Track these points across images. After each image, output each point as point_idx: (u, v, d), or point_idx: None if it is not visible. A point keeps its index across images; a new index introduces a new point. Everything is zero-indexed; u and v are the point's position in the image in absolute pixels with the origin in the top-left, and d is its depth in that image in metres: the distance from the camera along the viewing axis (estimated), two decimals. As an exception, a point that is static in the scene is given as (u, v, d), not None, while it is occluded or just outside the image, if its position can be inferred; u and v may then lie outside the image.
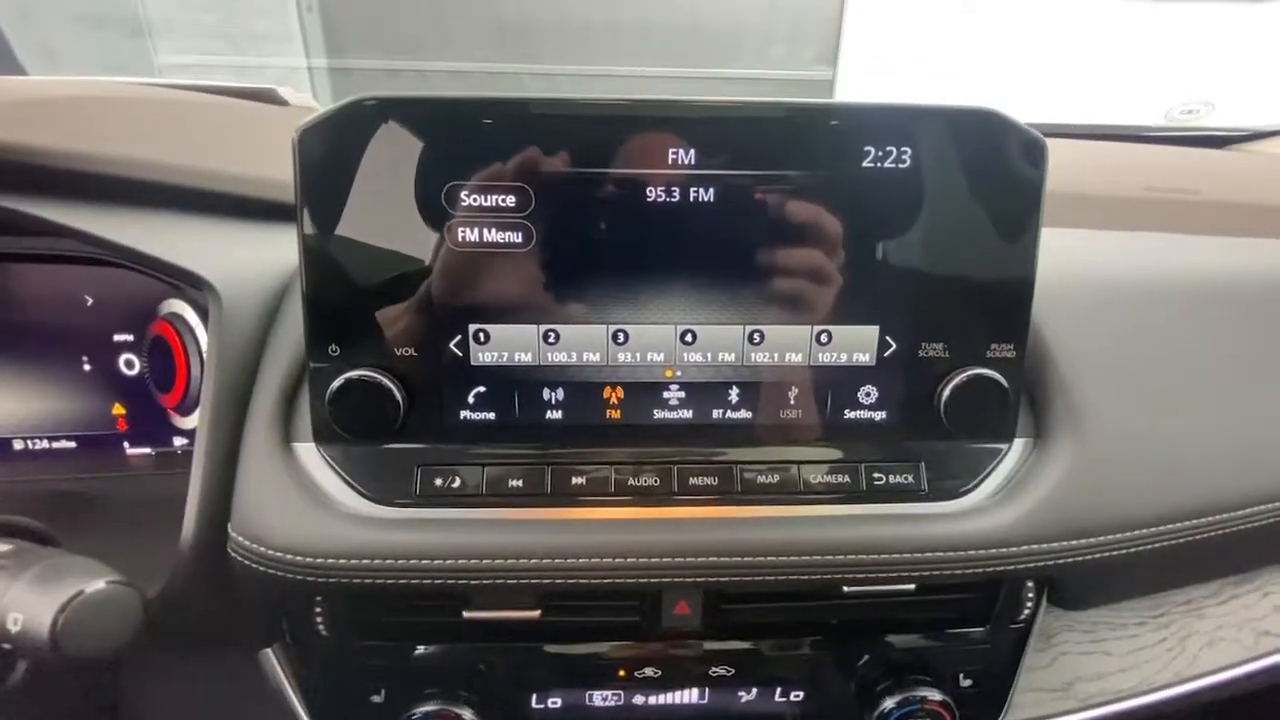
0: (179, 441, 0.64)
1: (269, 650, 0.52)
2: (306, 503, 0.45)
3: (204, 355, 0.56)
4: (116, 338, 0.61)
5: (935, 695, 0.51)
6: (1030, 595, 0.53)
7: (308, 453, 0.47)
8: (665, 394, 0.46)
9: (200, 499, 0.46)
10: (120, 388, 0.62)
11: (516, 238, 0.43)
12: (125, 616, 0.36)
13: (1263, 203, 0.74)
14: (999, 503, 0.48)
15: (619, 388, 0.46)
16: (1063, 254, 0.54)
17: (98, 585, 0.36)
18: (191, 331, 0.59)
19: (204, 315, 0.56)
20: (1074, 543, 0.48)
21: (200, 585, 0.47)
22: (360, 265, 0.43)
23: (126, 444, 0.63)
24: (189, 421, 0.61)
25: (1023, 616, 0.54)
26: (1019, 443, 0.50)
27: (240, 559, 0.45)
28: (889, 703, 0.51)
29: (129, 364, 0.62)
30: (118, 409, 0.63)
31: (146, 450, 0.64)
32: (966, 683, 0.54)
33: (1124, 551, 0.49)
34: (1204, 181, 0.80)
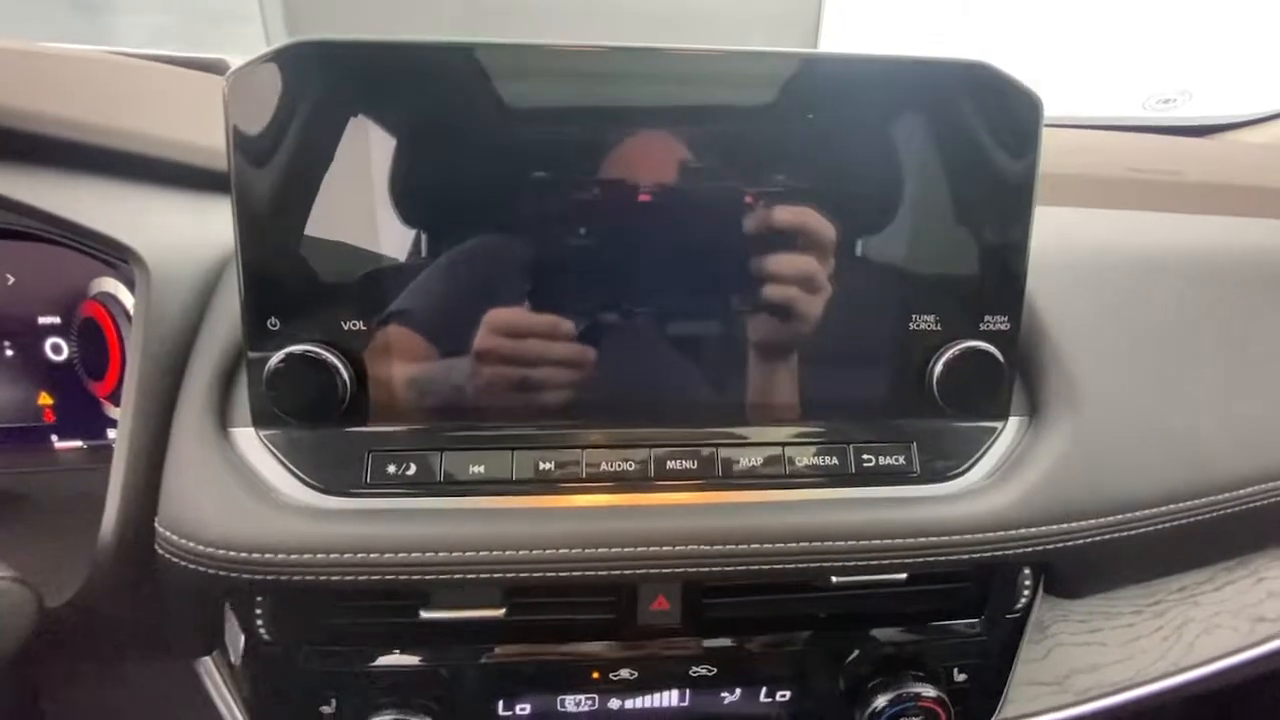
0: (113, 434, 0.58)
1: (206, 659, 0.47)
2: (244, 493, 0.41)
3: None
4: (42, 320, 0.56)
5: (929, 691, 0.48)
6: (1027, 583, 0.51)
7: (246, 439, 0.43)
8: (640, 371, 0.43)
9: (124, 491, 0.42)
10: (47, 375, 0.57)
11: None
12: (16, 617, 0.31)
13: (1249, 184, 0.73)
14: (994, 484, 0.45)
15: (590, 364, 0.43)
16: (1053, 229, 0.52)
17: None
18: (126, 313, 0.54)
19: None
20: (1073, 525, 0.45)
21: (124, 588, 0.43)
22: (301, 228, 0.39)
23: (55, 437, 0.58)
24: (123, 411, 0.56)
25: (1019, 606, 0.51)
26: (1014, 421, 0.47)
27: (169, 556, 0.40)
28: (881, 700, 0.47)
29: (56, 349, 0.57)
30: (44, 399, 0.58)
31: (77, 443, 0.58)
32: (961, 677, 0.51)
33: (1125, 534, 0.47)
34: (1186, 166, 0.79)
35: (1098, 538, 0.46)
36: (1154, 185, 0.72)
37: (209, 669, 0.48)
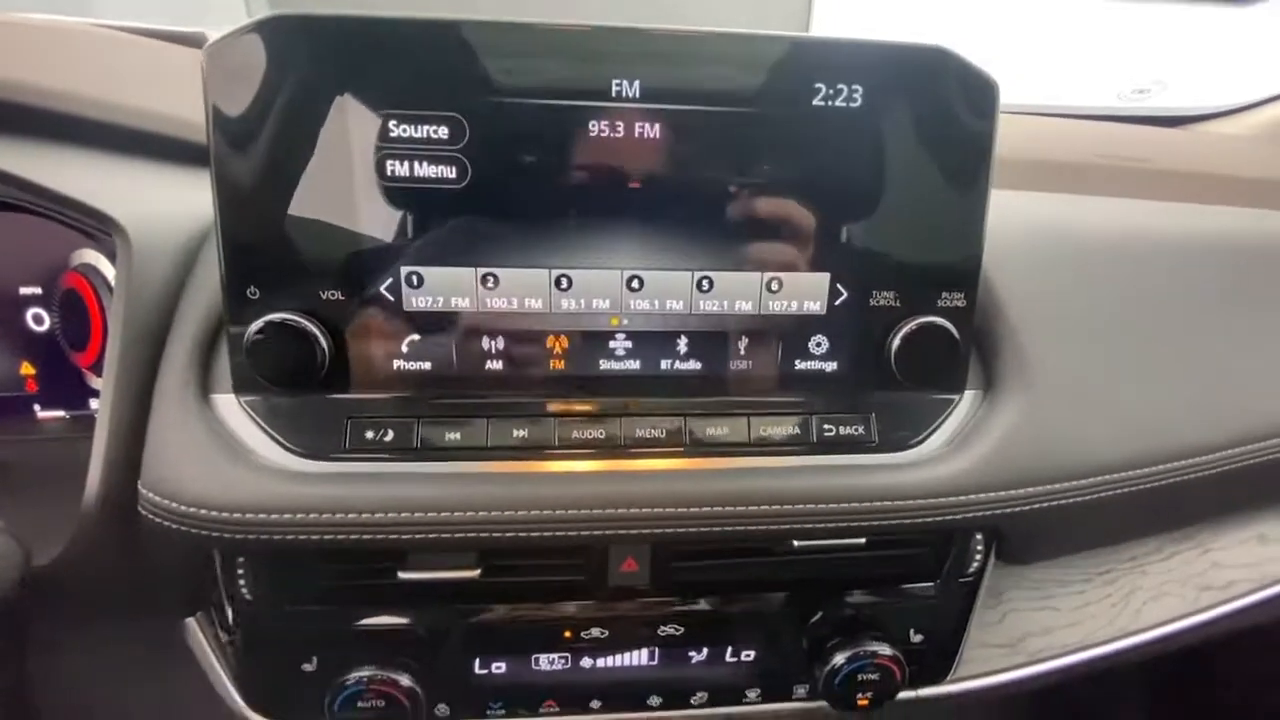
0: (96, 404, 0.59)
1: (191, 619, 0.49)
2: (225, 456, 0.42)
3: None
4: (23, 291, 0.57)
5: (885, 650, 0.50)
6: (979, 549, 0.53)
7: (227, 405, 0.44)
8: (611, 343, 0.44)
9: (107, 454, 0.43)
10: (29, 346, 0.58)
11: (450, 173, 0.40)
12: (3, 566, 0.33)
13: (1211, 172, 0.75)
14: (949, 453, 0.47)
15: (563, 336, 0.44)
16: (1014, 211, 0.54)
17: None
18: (107, 284, 0.55)
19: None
20: (1021, 491, 0.48)
21: (108, 549, 0.44)
22: (280, 199, 0.40)
23: (37, 406, 0.59)
24: (105, 381, 0.56)
25: (971, 571, 0.54)
26: (969, 394, 0.49)
27: (151, 516, 0.42)
28: (839, 658, 0.50)
29: (38, 319, 0.57)
30: (26, 369, 0.58)
31: (59, 413, 0.59)
32: (917, 638, 0.54)
33: (1071, 501, 0.49)
34: (1154, 155, 0.81)
35: (1046, 504, 0.49)
36: (1118, 171, 0.74)
37: (193, 628, 0.49)
